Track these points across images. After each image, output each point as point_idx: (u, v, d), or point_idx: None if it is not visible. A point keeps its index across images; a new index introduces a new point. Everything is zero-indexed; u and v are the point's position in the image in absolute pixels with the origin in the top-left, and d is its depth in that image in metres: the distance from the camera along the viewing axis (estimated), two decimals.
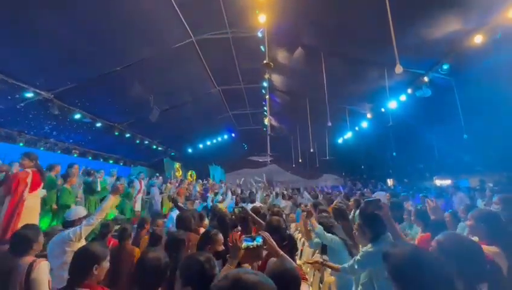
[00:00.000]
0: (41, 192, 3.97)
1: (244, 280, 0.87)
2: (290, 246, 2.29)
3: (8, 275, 2.01)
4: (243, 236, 1.84)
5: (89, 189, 5.90)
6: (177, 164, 11.59)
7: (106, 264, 1.83)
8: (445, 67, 5.81)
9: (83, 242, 2.67)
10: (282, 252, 1.85)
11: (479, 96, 6.22)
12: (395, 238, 1.92)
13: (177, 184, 9.55)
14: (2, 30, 4.44)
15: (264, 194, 8.65)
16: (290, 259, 1.81)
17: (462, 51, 5.29)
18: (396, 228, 1.93)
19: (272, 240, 1.88)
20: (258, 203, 5.96)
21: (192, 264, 1.52)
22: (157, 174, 10.03)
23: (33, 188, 3.62)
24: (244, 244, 1.78)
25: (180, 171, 11.38)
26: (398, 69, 3.51)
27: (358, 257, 2.23)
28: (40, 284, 2.08)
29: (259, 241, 1.80)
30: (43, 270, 2.14)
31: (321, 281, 3.16)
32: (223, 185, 10.03)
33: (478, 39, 4.86)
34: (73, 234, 2.59)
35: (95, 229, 3.17)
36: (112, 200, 2.95)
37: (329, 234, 2.92)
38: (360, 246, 2.53)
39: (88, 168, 6.79)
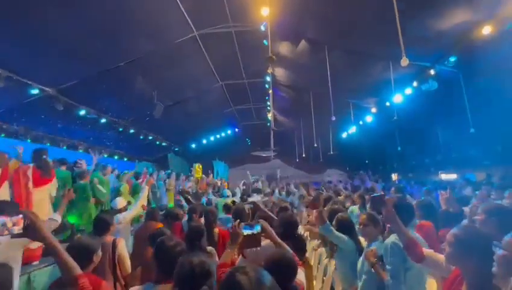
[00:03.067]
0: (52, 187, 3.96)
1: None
2: (298, 248, 2.27)
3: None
4: (242, 224, 1.93)
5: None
6: (197, 164, 11.03)
7: (100, 253, 2.11)
8: (452, 59, 5.67)
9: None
10: (280, 240, 1.93)
11: (486, 89, 6.09)
12: (401, 239, 1.84)
13: (184, 179, 9.69)
14: (7, 28, 4.46)
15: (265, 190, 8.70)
16: (287, 247, 1.90)
17: (470, 43, 5.16)
18: (402, 227, 1.81)
19: (270, 227, 1.97)
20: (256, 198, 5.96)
21: (183, 264, 1.48)
22: (169, 171, 10.01)
23: (37, 183, 3.62)
24: (243, 232, 1.88)
25: (201, 173, 10.81)
26: (404, 62, 3.45)
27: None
28: (125, 257, 2.69)
29: (257, 229, 1.88)
30: (124, 246, 2.71)
31: (325, 274, 3.18)
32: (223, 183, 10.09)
33: (486, 30, 4.73)
34: (126, 215, 3.48)
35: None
36: (147, 190, 3.88)
37: (339, 233, 2.72)
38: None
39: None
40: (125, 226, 3.59)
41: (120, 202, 3.91)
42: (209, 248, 2.63)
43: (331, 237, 2.76)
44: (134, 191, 6.96)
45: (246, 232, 1.87)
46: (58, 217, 2.60)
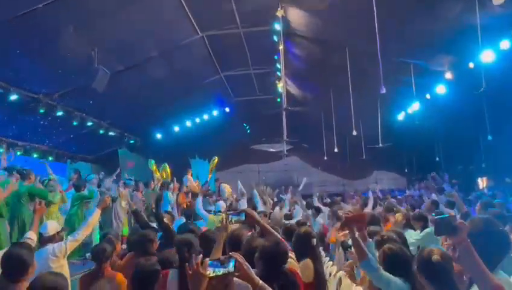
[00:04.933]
0: None
1: None
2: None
3: None
4: (207, 259, 1.92)
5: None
6: (153, 162, 12.01)
7: None
8: None
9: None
10: (261, 282, 1.99)
11: None
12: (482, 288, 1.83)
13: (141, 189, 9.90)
14: None
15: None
16: None
17: None
18: (486, 271, 1.73)
19: (247, 264, 1.99)
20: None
21: None
22: (130, 180, 10.33)
23: None
24: (209, 271, 1.87)
25: (158, 173, 11.51)
26: None
27: None
28: None
29: (230, 266, 1.89)
30: None
31: None
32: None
33: None
34: (58, 249, 3.56)
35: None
36: (99, 214, 4.08)
37: (386, 273, 2.74)
38: None
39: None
40: (61, 264, 3.64)
41: (52, 226, 3.94)
42: None
43: (374, 277, 2.79)
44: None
45: (214, 271, 1.87)
46: (33, 236, 3.22)
